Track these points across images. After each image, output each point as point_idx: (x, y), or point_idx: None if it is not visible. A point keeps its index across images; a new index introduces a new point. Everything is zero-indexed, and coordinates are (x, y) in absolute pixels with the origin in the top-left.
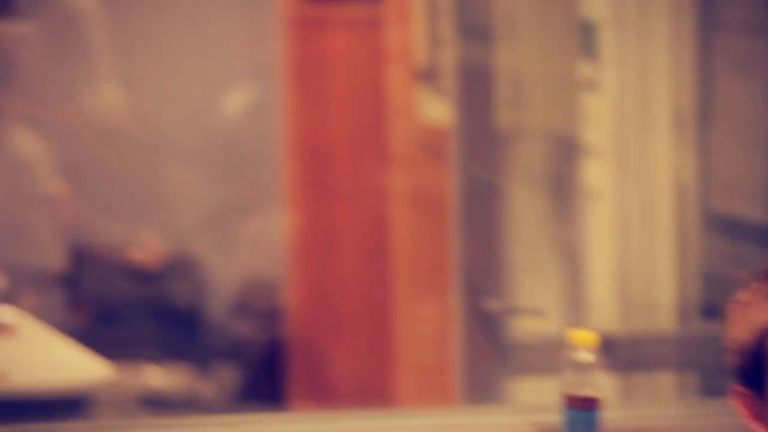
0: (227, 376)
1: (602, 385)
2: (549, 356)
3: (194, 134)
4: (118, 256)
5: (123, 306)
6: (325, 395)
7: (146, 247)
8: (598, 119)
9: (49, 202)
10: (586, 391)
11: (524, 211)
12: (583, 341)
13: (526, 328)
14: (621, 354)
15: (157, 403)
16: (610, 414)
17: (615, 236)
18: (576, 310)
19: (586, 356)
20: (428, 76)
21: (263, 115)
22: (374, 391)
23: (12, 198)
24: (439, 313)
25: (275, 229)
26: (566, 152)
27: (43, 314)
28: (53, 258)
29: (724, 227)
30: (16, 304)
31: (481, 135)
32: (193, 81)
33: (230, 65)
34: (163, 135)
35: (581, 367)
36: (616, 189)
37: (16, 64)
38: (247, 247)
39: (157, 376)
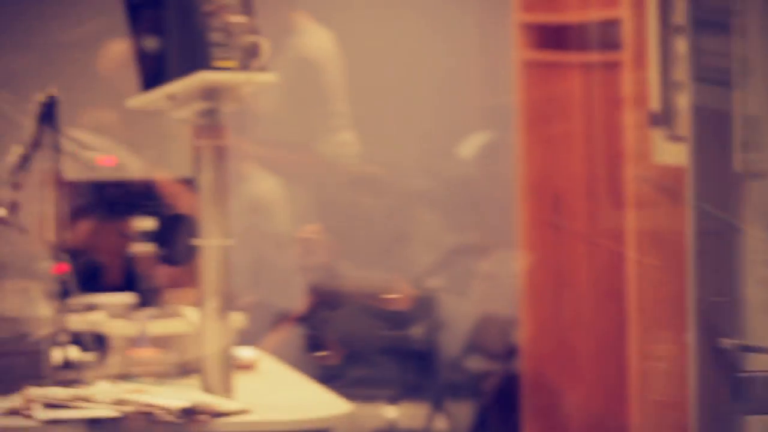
0: (462, 412)
1: None
2: None
3: (431, 178)
4: (362, 297)
5: (364, 345)
6: (559, 431)
7: (387, 288)
8: None
9: (295, 243)
10: None
11: (760, 251)
12: None
13: (762, 365)
14: None
15: None
16: None
17: None
18: None
19: None
20: (663, 119)
21: (498, 158)
22: (608, 427)
23: (255, 239)
24: (674, 351)
25: (510, 268)
26: None
27: (284, 353)
28: (296, 298)
29: None
30: (259, 344)
31: (717, 176)
32: (430, 125)
33: (466, 109)
34: (401, 179)
35: None
36: None
37: (259, 110)
38: (482, 287)
39: (395, 413)
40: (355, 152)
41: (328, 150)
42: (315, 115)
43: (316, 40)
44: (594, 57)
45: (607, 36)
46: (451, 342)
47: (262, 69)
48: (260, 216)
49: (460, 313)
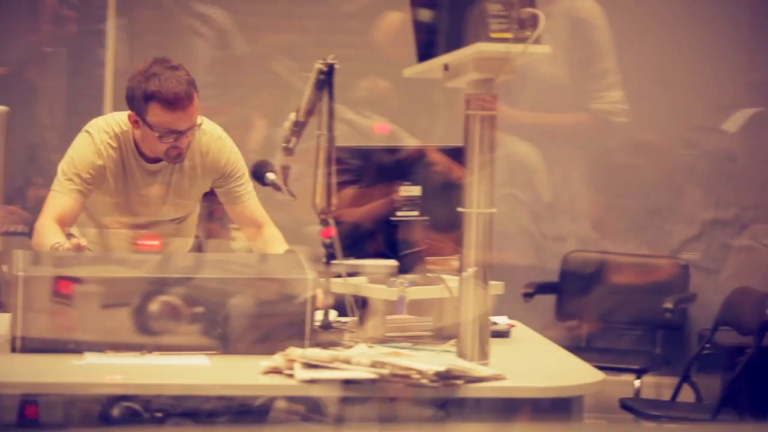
0: (710, 385)
1: None
2: None
3: (693, 150)
4: (616, 269)
5: (615, 316)
6: None
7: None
8: None
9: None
10: None
11: None
12: None
13: None
14: None
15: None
16: None
17: None
18: None
19: None
20: None
21: (763, 134)
22: None
23: (515, 206)
24: None
25: (766, 244)
26: None
27: (534, 321)
28: (552, 266)
29: None
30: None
31: None
32: (694, 100)
33: (731, 84)
34: (667, 150)
35: None
36: None
37: (530, 74)
38: (737, 261)
39: (642, 384)
40: (625, 110)
41: (601, 109)
42: (587, 75)
43: (584, 1)
44: None
45: None
46: (702, 315)
47: (538, 40)
48: (519, 183)
49: (713, 286)
